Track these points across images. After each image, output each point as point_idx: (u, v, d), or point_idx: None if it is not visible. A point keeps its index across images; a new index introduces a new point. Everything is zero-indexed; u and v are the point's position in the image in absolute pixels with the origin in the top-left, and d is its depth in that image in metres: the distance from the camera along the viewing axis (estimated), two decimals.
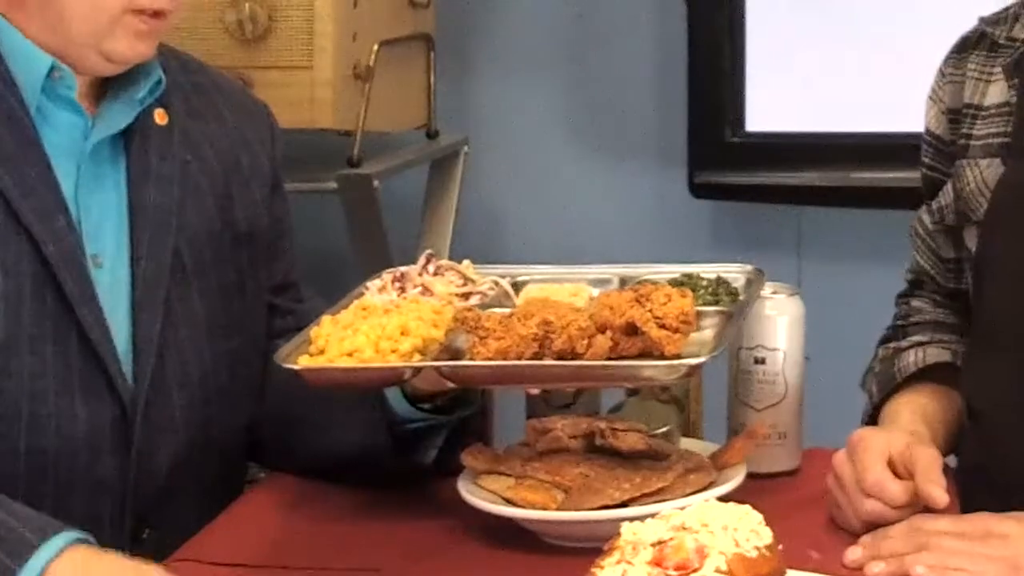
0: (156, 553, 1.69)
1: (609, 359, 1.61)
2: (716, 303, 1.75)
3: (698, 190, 3.20)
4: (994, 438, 1.77)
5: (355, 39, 2.79)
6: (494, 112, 3.35)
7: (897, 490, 1.64)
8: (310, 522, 1.79)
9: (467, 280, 1.80)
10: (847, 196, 3.12)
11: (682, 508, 1.42)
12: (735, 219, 3.26)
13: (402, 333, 1.65)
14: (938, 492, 1.61)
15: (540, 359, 1.61)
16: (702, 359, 1.60)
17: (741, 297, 1.78)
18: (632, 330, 1.60)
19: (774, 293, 1.87)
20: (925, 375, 1.88)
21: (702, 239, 3.25)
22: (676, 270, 1.83)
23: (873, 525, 1.64)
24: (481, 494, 1.71)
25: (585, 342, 1.61)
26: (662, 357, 1.59)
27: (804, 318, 1.87)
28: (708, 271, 1.82)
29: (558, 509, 1.66)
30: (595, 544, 1.44)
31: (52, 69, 1.75)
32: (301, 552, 1.71)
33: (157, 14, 1.75)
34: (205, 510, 1.81)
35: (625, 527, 1.39)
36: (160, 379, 1.78)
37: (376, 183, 2.83)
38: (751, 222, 3.25)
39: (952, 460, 1.84)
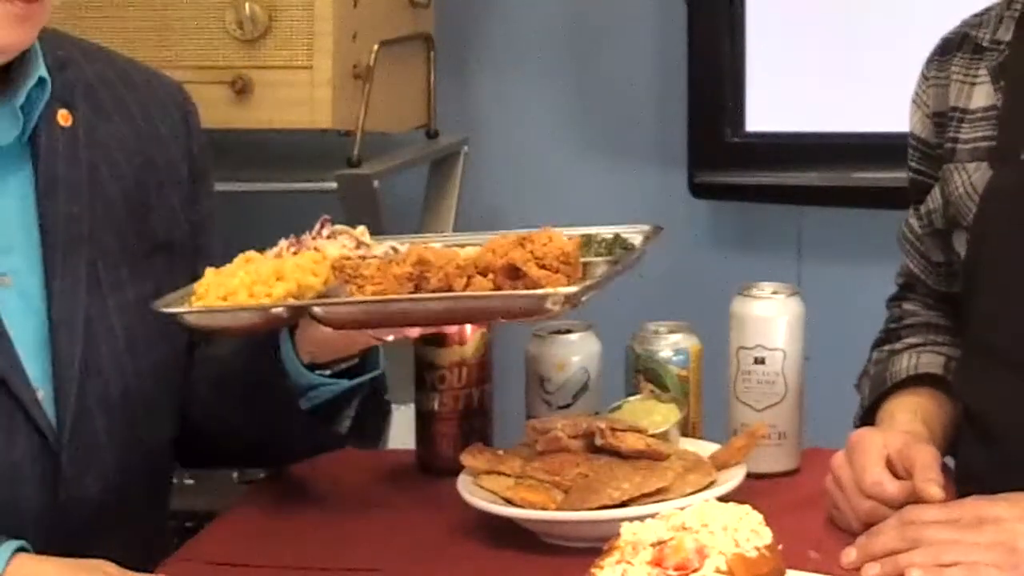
0: None
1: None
2: (609, 255, 1.72)
3: (698, 190, 3.20)
4: (992, 444, 1.77)
5: (355, 39, 2.79)
6: (494, 112, 3.35)
7: (895, 490, 1.64)
8: (310, 522, 1.79)
9: (360, 244, 1.77)
10: (847, 196, 3.12)
11: (682, 508, 1.42)
12: (735, 219, 3.26)
13: (277, 279, 1.64)
14: (935, 489, 1.61)
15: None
16: (573, 288, 1.56)
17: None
18: (514, 273, 1.58)
19: (774, 293, 1.87)
20: (917, 381, 1.87)
21: (702, 239, 3.25)
22: (574, 232, 1.77)
23: (872, 525, 1.64)
24: (481, 494, 1.71)
25: (463, 281, 1.58)
26: None
27: (804, 318, 1.87)
28: (607, 232, 1.78)
29: (558, 509, 1.66)
30: (595, 544, 1.44)
31: None
32: (301, 552, 1.71)
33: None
34: (133, 534, 1.75)
35: (625, 527, 1.39)
36: (82, 402, 1.71)
37: (376, 183, 2.83)
38: (751, 222, 3.25)
39: (949, 461, 1.84)
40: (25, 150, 1.73)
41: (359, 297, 1.59)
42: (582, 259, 1.63)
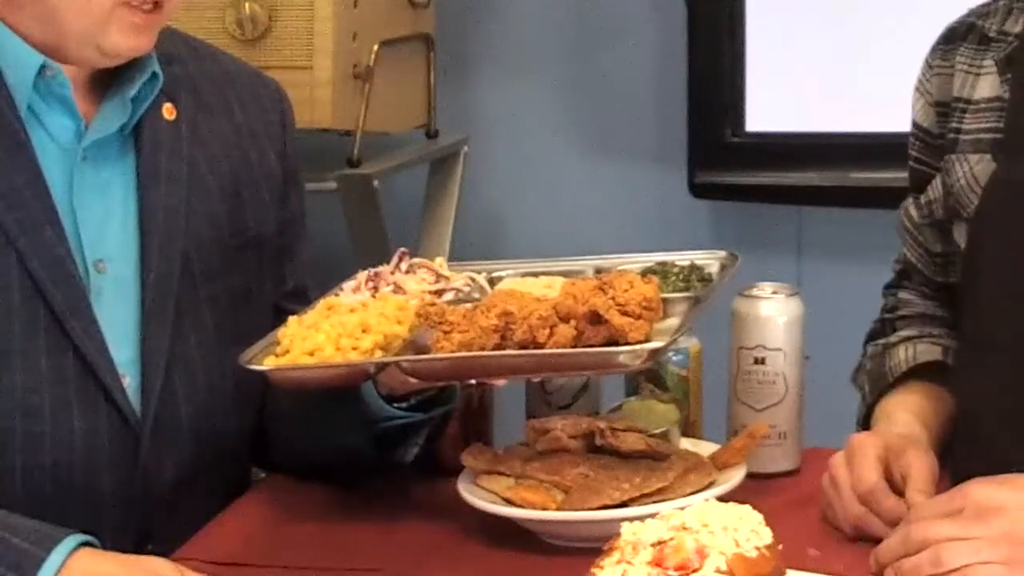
0: None
1: (574, 348, 1.60)
2: (687, 289, 1.74)
3: (698, 190, 3.21)
4: (987, 441, 1.76)
5: (355, 39, 2.79)
6: (494, 112, 3.35)
7: (891, 506, 1.63)
8: (310, 522, 1.79)
9: (440, 277, 1.79)
10: (847, 196, 3.12)
11: (682, 508, 1.42)
12: (735, 219, 3.26)
13: (363, 330, 1.65)
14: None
15: (502, 350, 1.60)
16: (659, 344, 1.59)
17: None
18: (596, 319, 1.60)
19: (774, 293, 1.87)
20: (916, 373, 1.87)
21: (702, 239, 3.25)
22: (650, 259, 1.82)
23: (862, 531, 1.64)
24: (481, 494, 1.71)
25: (547, 331, 1.60)
26: (626, 344, 1.58)
27: (804, 318, 1.87)
28: (682, 259, 1.82)
29: (558, 509, 1.66)
30: (595, 544, 1.44)
31: (43, 68, 1.70)
32: (301, 552, 1.71)
33: (153, 7, 1.70)
34: (205, 522, 1.78)
35: (625, 527, 1.39)
36: (168, 391, 1.75)
37: (376, 183, 2.83)
38: (751, 222, 3.25)
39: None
40: (128, 141, 1.78)
41: (446, 354, 1.60)
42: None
